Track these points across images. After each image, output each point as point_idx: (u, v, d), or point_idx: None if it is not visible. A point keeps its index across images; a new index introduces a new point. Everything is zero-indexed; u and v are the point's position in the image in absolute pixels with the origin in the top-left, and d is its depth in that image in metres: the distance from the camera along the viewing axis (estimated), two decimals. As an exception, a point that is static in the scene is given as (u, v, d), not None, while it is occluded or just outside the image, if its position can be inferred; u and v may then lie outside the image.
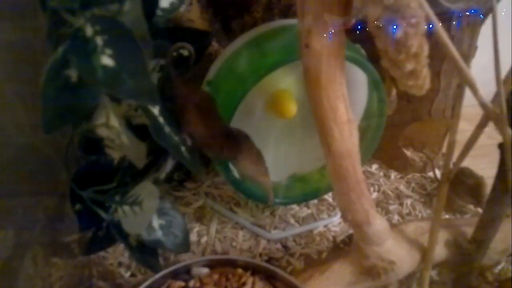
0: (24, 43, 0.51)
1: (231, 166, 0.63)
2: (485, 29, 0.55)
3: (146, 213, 0.47)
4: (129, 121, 0.45)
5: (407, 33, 0.37)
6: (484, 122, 0.46)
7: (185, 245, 0.53)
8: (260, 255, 0.67)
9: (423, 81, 0.40)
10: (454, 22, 0.63)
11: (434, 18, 0.38)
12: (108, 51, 0.33)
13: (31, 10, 0.49)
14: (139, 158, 0.48)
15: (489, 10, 0.51)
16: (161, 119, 0.43)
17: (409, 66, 0.39)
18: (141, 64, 0.33)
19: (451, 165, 0.51)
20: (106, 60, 0.33)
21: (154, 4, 0.45)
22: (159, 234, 0.51)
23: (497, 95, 0.43)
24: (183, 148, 0.46)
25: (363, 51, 0.60)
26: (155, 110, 0.43)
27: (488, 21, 0.52)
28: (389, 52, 0.39)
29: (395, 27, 0.37)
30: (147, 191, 0.47)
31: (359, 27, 0.45)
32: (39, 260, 0.58)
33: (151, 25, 0.37)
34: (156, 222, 0.51)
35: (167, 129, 0.44)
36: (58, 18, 0.35)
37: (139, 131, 0.45)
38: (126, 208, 0.48)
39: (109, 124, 0.43)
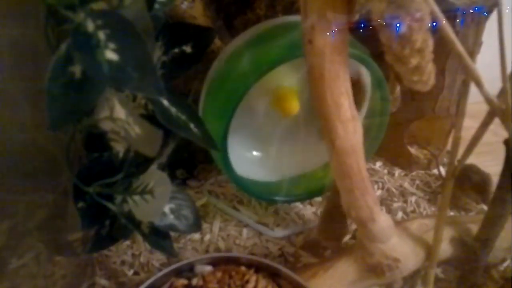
0: (27, 40, 0.51)
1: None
2: (488, 25, 0.54)
3: (159, 200, 0.47)
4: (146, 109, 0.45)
5: (411, 28, 0.37)
6: (489, 118, 0.46)
7: (197, 225, 0.54)
8: (265, 256, 0.66)
9: (428, 77, 0.40)
10: (457, 20, 0.63)
11: (439, 13, 0.37)
12: (112, 45, 0.32)
13: (33, 7, 0.49)
14: (152, 146, 0.48)
15: (493, 5, 0.51)
16: (165, 102, 0.43)
17: (414, 61, 0.38)
18: (146, 57, 0.32)
19: (455, 162, 0.51)
20: (110, 55, 0.32)
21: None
22: (170, 218, 0.52)
23: (502, 91, 0.43)
24: (192, 125, 0.46)
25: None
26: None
27: (492, 17, 0.52)
28: (394, 47, 0.39)
29: (399, 22, 0.37)
30: (156, 178, 0.47)
31: (362, 24, 0.45)
32: (41, 258, 0.58)
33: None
34: (166, 207, 0.52)
35: (173, 110, 0.44)
36: (58, 15, 0.35)
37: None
38: (136, 197, 0.48)
39: (114, 116, 0.43)
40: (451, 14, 0.60)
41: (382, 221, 0.51)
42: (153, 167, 0.48)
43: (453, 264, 0.62)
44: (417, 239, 0.56)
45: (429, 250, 0.55)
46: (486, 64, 0.51)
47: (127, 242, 0.66)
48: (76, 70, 0.34)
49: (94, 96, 0.35)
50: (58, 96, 0.33)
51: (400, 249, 0.54)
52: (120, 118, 0.42)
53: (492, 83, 0.43)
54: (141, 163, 0.48)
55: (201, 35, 0.59)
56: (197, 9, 0.66)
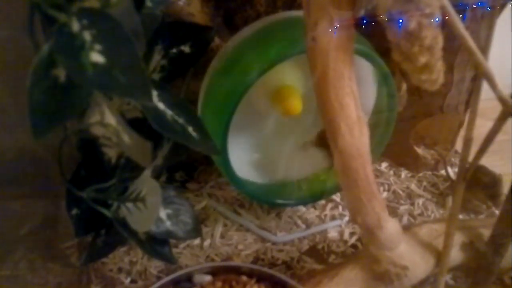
0: (15, 42, 0.49)
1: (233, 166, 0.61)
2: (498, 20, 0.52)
3: (151, 210, 0.45)
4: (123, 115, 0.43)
5: (420, 24, 0.35)
6: (502, 119, 0.43)
7: (196, 231, 0.53)
8: (268, 262, 0.64)
9: (437, 75, 0.39)
10: (464, 15, 0.61)
11: (449, 8, 0.35)
12: (98, 46, 0.30)
13: (24, 7, 0.47)
14: (143, 155, 0.46)
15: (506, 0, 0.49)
16: (161, 105, 0.41)
17: (423, 59, 0.37)
18: (134, 59, 0.30)
19: (466, 165, 0.48)
20: (96, 57, 0.30)
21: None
22: (167, 224, 0.50)
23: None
24: (190, 129, 0.43)
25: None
26: (153, 96, 0.41)
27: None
28: (401, 45, 0.37)
29: (408, 17, 0.35)
30: (148, 186, 0.45)
31: (367, 19, 0.43)
32: (35, 266, 0.57)
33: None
34: (163, 213, 0.50)
35: (168, 113, 0.42)
36: (46, 15, 0.33)
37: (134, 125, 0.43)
38: (130, 205, 0.46)
39: (104, 122, 0.41)
40: (459, 9, 0.58)
41: (390, 227, 0.49)
42: (147, 173, 0.46)
43: (464, 271, 0.60)
44: (426, 245, 0.54)
45: (439, 257, 0.53)
46: (495, 59, 0.49)
47: (124, 248, 0.64)
48: (60, 73, 0.31)
49: (80, 101, 0.33)
50: (40, 102, 0.31)
51: (409, 256, 0.52)
52: (110, 124, 0.40)
53: (502, 78, 0.41)
54: (134, 168, 0.46)
55: (200, 34, 0.57)
56: (195, 6, 0.64)
